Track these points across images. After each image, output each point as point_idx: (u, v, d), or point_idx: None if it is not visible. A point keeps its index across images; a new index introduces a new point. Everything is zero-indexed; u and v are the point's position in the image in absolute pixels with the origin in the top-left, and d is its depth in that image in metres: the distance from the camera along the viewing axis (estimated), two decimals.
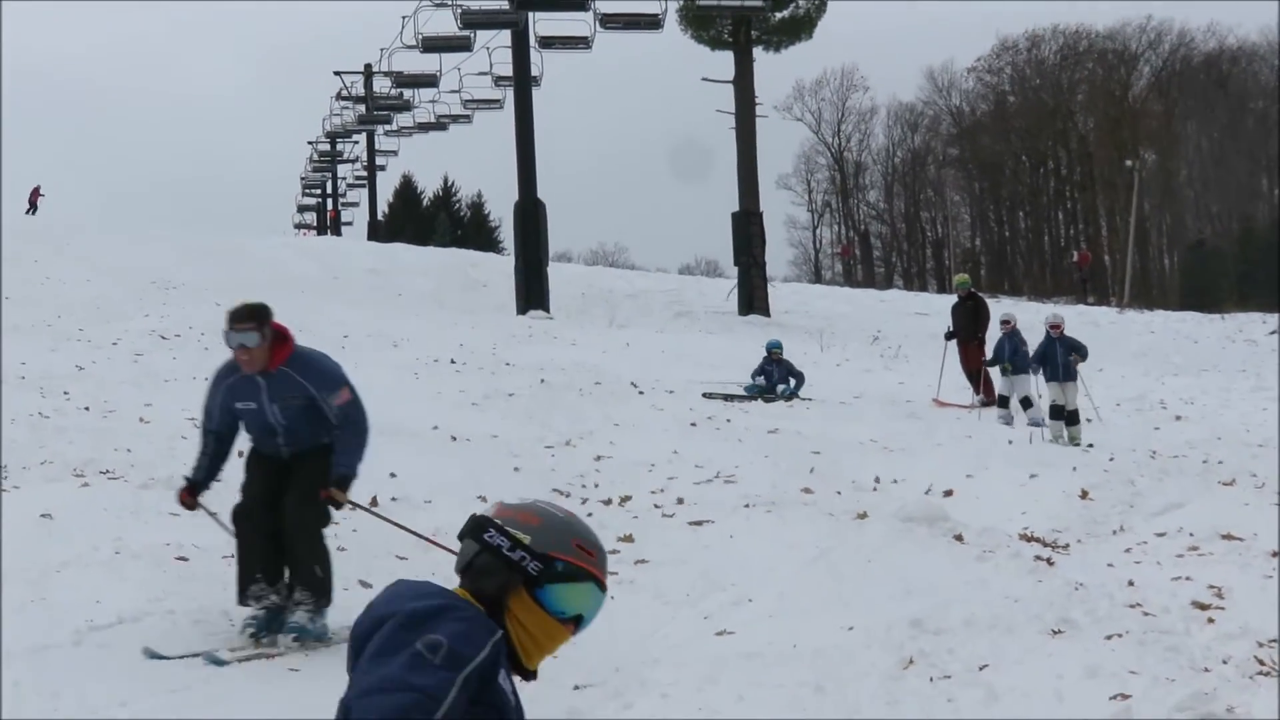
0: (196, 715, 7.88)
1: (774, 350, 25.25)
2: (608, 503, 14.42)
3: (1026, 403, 22.89)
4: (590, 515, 13.47)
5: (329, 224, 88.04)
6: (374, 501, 13.44)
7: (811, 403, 23.48)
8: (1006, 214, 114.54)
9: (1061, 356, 22.01)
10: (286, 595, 9.30)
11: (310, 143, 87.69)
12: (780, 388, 24.30)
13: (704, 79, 48.68)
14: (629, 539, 12.33)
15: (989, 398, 24.40)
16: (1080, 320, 49.57)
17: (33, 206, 67.82)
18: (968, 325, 25.65)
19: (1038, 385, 22.76)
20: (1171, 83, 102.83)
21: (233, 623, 9.36)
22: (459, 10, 41.75)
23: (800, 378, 24.64)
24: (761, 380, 24.50)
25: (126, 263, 38.66)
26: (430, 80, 62.31)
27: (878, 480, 16.26)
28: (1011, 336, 23.69)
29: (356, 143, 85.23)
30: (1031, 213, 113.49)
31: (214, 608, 9.59)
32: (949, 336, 25.57)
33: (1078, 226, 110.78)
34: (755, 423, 20.82)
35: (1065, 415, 21.56)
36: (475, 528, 3.71)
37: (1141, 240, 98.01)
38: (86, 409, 18.12)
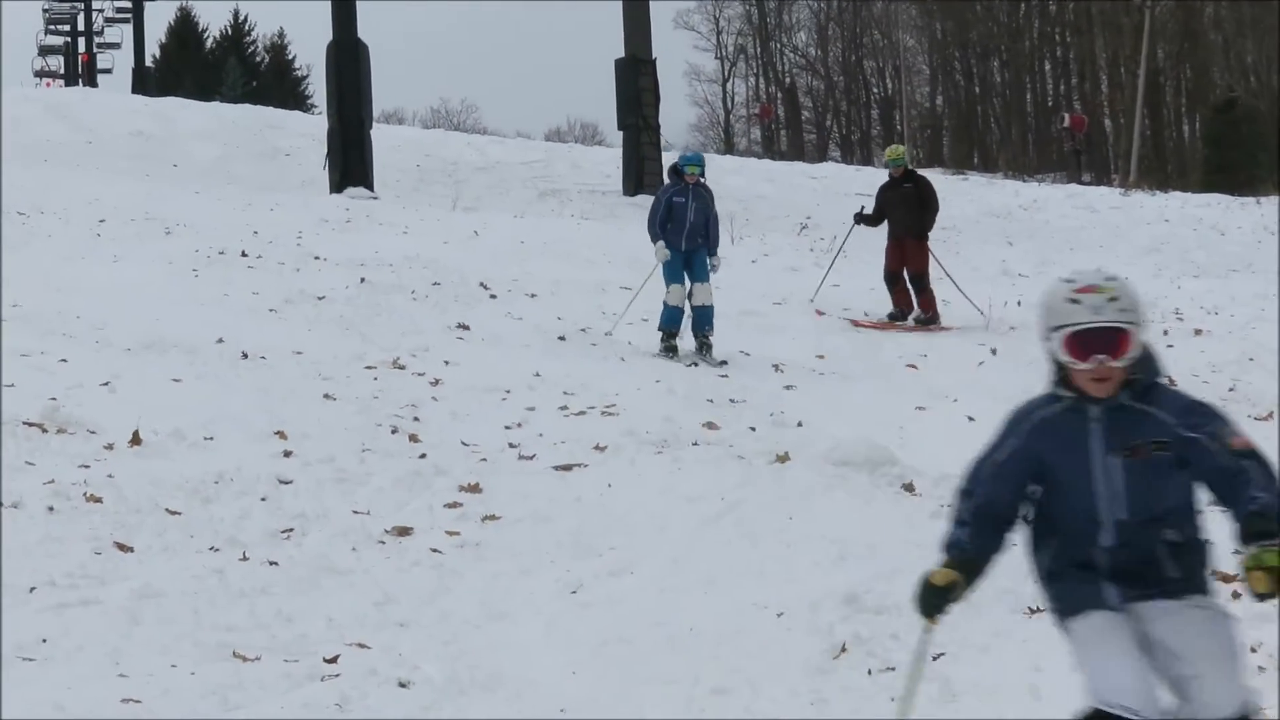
0: None
1: (690, 168, 21.74)
2: (445, 442, 14.39)
3: None
4: (424, 457, 13.47)
5: (81, 71, 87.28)
6: (136, 437, 13.36)
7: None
8: (977, 65, 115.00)
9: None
10: None
11: None
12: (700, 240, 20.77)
13: None
14: (475, 489, 12.33)
15: (928, 312, 23.55)
16: (1072, 204, 50.08)
17: None
18: (909, 216, 24.19)
19: None
20: None
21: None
22: None
23: (717, 239, 21.31)
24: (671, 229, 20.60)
25: None
26: None
27: (803, 413, 16.34)
28: None
29: None
30: (1010, 63, 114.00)
31: None
32: (859, 219, 24.32)
33: (1070, 82, 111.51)
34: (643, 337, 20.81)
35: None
36: None
37: (1154, 100, 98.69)
38: None
